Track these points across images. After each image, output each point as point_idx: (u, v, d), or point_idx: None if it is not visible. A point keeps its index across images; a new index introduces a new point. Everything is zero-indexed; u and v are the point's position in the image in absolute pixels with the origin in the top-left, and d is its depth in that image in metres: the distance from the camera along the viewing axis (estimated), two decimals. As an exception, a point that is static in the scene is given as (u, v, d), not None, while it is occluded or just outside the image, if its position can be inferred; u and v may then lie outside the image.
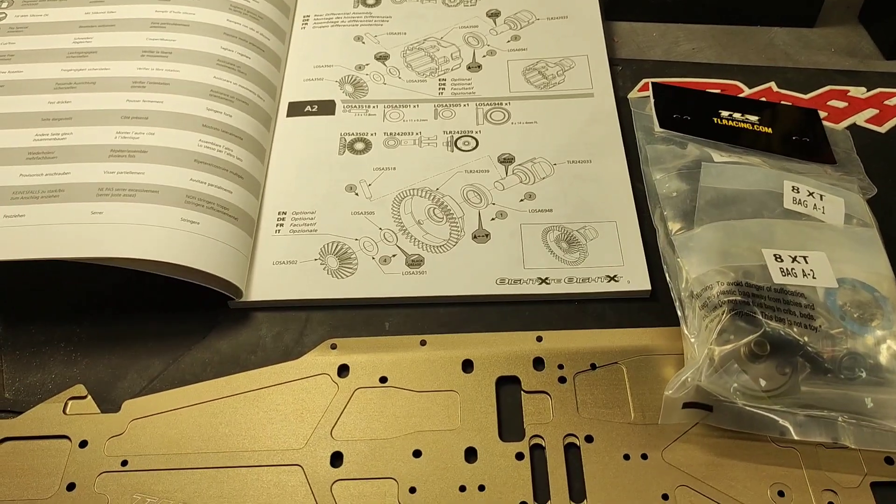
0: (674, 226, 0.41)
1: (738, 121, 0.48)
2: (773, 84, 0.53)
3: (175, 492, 0.36)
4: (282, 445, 0.38)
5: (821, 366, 0.35)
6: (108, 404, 0.40)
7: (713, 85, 0.53)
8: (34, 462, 0.37)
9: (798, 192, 0.42)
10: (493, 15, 0.58)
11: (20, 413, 0.39)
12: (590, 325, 0.42)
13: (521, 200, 0.47)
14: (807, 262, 0.38)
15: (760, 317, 0.36)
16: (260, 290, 0.43)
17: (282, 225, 0.46)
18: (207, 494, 0.36)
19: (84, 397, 0.40)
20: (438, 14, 0.58)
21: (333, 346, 0.41)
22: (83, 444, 0.38)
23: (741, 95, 0.52)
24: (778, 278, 0.37)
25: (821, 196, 0.41)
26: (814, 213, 0.41)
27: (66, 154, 0.44)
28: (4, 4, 0.53)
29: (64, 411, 0.39)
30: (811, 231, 0.40)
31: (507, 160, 0.49)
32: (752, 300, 0.36)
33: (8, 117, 0.46)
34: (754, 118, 0.48)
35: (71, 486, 0.37)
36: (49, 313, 0.43)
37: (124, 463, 0.37)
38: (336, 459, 0.37)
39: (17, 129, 0.45)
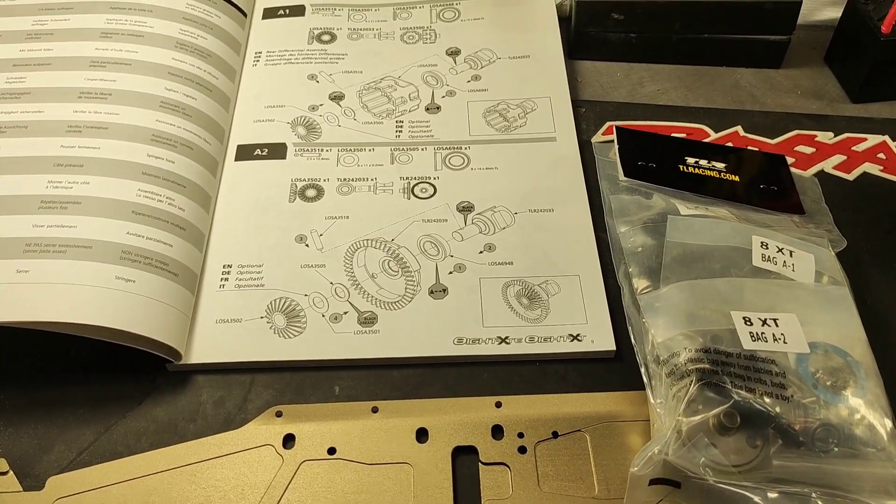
0: (639, 283, 0.40)
1: (704, 168, 0.47)
2: (739, 128, 0.51)
3: (102, 582, 0.33)
4: (221, 528, 0.35)
5: (793, 438, 0.34)
6: (32, 480, 0.37)
7: (679, 129, 0.51)
8: (-53, 549, 0.34)
9: (767, 248, 0.40)
10: (453, 53, 0.56)
11: (-66, 492, 0.36)
12: (552, 388, 0.40)
13: (481, 252, 0.44)
14: (777, 326, 0.36)
15: (730, 386, 0.34)
16: (201, 351, 0.40)
17: (226, 279, 0.43)
18: (137, 584, 0.33)
19: (6, 473, 0.37)
20: (396, 52, 0.56)
21: (279, 414, 0.38)
22: (2, 527, 0.35)
23: (707, 140, 0.50)
24: (748, 343, 0.35)
25: (790, 252, 0.40)
26: (783, 270, 0.39)
27: (-8, 206, 0.41)
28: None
29: (-17, 489, 0.36)
30: (781, 290, 0.38)
31: (466, 208, 0.47)
32: (722, 369, 0.34)
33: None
34: (721, 165, 0.47)
35: (-13, 576, 0.33)
36: (-30, 378, 0.40)
37: (47, 549, 0.34)
38: (279, 544, 0.34)
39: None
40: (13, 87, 0.47)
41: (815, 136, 0.51)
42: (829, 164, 0.49)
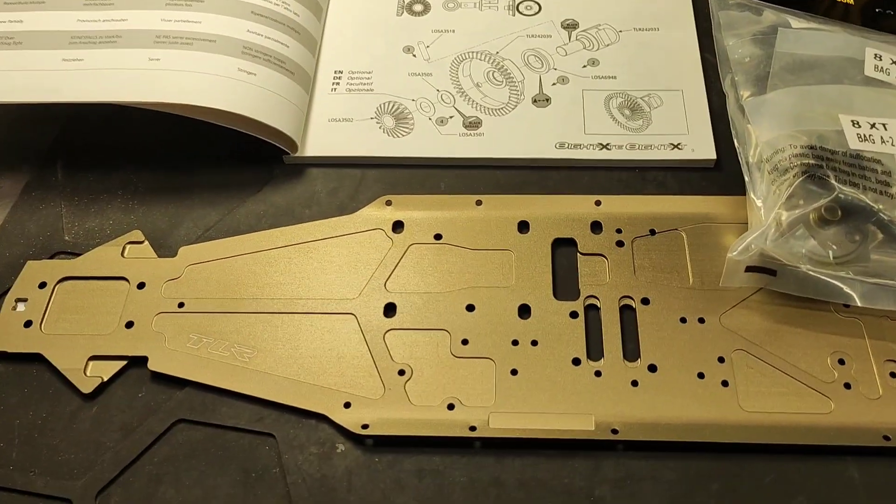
0: (745, 91, 0.40)
1: (819, -10, 0.45)
2: (857, -45, 0.49)
3: (230, 333, 0.37)
4: (336, 295, 0.38)
5: (893, 234, 0.34)
6: (165, 250, 0.40)
7: (794, -44, 0.50)
8: (94, 300, 0.38)
9: (881, 59, 0.39)
10: None
11: (79, 255, 0.40)
12: (650, 192, 0.41)
13: (584, 66, 0.45)
14: (886, 130, 0.36)
15: (833, 181, 0.34)
16: (315, 145, 0.43)
17: (338, 83, 0.45)
18: (262, 337, 0.37)
19: (141, 242, 0.40)
20: None
21: (388, 203, 0.41)
22: (141, 285, 0.38)
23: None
24: (854, 144, 0.36)
25: (905, 64, 0.39)
26: (896, 81, 0.39)
27: (123, 1, 0.43)
28: None
29: (122, 254, 0.40)
30: (893, 100, 0.38)
31: (570, 26, 0.47)
32: (826, 164, 0.35)
33: (65, -37, 0.45)
34: (836, -12, 0.46)
35: (129, 325, 0.37)
36: (107, 162, 0.44)
37: (181, 305, 0.38)
38: (389, 310, 0.37)
39: (73, -24, 0.44)
40: None
41: (940, -35, 0.49)
42: (950, -7, 0.47)
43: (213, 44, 0.42)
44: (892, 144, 0.36)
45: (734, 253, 0.34)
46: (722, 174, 0.41)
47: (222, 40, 0.42)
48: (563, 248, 0.39)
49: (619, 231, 0.39)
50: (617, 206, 0.40)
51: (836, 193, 0.34)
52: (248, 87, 0.41)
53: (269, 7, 0.44)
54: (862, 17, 0.44)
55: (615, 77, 0.44)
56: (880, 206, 0.34)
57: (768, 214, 0.35)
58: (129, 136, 0.45)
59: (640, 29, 0.46)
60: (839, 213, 0.34)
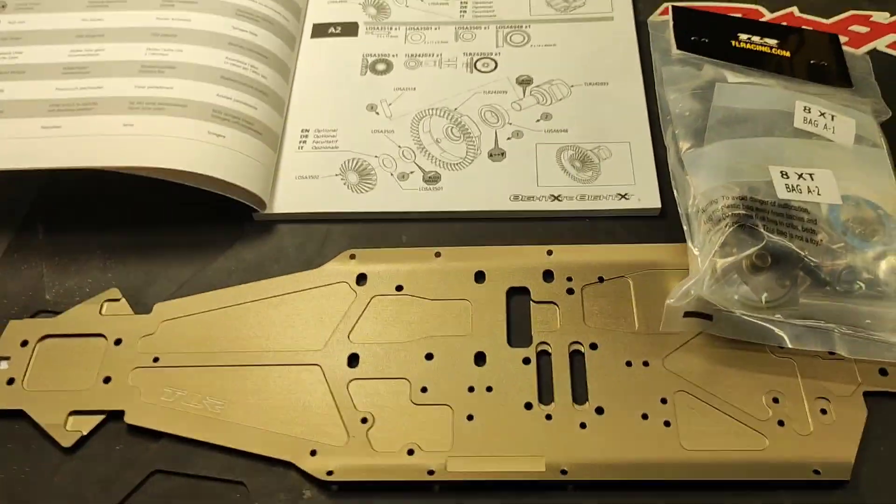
0: (684, 144, 0.42)
1: (756, 44, 0.48)
2: (795, 8, 0.52)
3: (202, 386, 0.39)
4: (302, 346, 0.40)
5: (820, 279, 0.36)
6: (141, 307, 0.42)
7: (735, 10, 0.53)
8: (74, 357, 0.40)
9: (809, 112, 0.42)
10: (517, -62, 0.58)
11: (59, 313, 0.42)
12: (600, 241, 0.43)
13: (538, 121, 0.48)
14: (812, 180, 0.39)
15: (763, 230, 0.37)
16: (284, 202, 0.45)
17: (305, 141, 0.47)
18: (232, 389, 0.39)
19: (118, 300, 0.42)
20: (462, -64, 0.58)
21: (352, 257, 0.43)
22: (118, 341, 0.40)
23: (762, 20, 0.52)
24: (783, 193, 0.38)
25: (832, 116, 0.42)
26: (824, 132, 0.41)
27: (98, 69, 0.46)
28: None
29: (100, 312, 0.42)
30: (820, 150, 0.41)
31: (525, 81, 0.50)
32: (756, 214, 0.37)
33: (45, 34, 0.47)
34: (773, 41, 0.49)
35: (107, 380, 0.39)
36: (86, 223, 0.46)
37: (156, 360, 0.40)
38: (353, 360, 0.39)
39: (53, 45, 0.47)
40: (111, -34, 0.51)
41: (871, 16, 0.52)
42: (882, 43, 0.50)
43: (184, 108, 0.44)
44: (818, 193, 0.38)
45: (672, 300, 0.37)
46: (666, 222, 0.43)
47: (193, 105, 0.44)
48: (518, 297, 0.41)
49: (569, 279, 0.41)
50: (568, 255, 0.42)
51: (765, 242, 0.37)
52: (218, 149, 0.43)
53: (238, 71, 0.47)
54: (799, 69, 0.47)
55: (567, 130, 0.47)
56: (806, 253, 0.37)
57: (704, 262, 0.37)
58: (106, 197, 0.47)
59: (590, 83, 0.49)
60: (769, 259, 0.36)
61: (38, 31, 0.48)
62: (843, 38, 0.50)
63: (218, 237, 0.45)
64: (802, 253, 0.37)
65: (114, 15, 0.48)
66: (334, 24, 0.53)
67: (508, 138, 0.47)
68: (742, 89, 0.44)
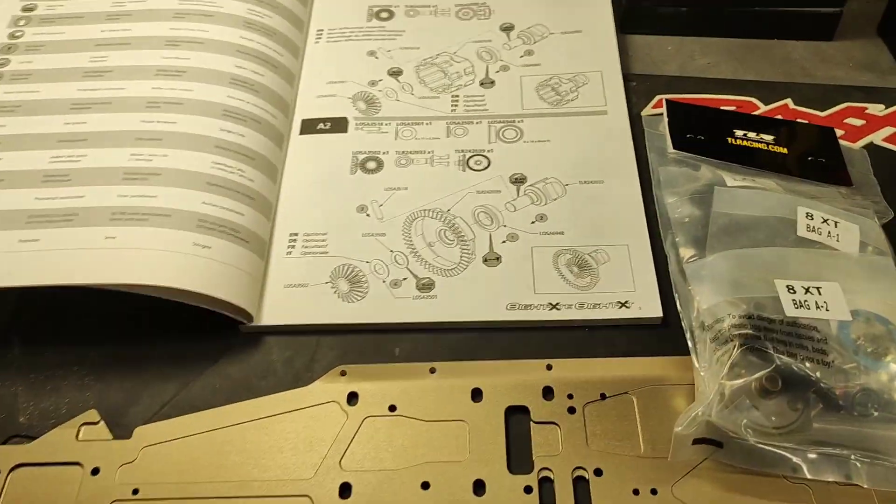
0: (685, 252, 0.41)
1: (752, 140, 0.48)
2: (789, 101, 0.52)
3: (186, 521, 0.37)
4: (291, 475, 0.38)
5: (833, 402, 0.35)
6: (120, 430, 0.40)
7: (728, 101, 0.52)
8: (47, 488, 0.38)
9: (812, 218, 0.41)
10: (507, 29, 0.57)
11: (34, 438, 0.40)
12: (600, 352, 0.42)
13: (533, 222, 0.46)
14: (820, 294, 0.38)
15: (772, 352, 0.36)
16: (271, 314, 0.43)
17: (293, 247, 0.46)
18: (218, 524, 0.36)
19: (97, 423, 0.40)
20: (452, 28, 0.58)
21: (343, 373, 0.41)
22: (95, 471, 0.38)
23: (756, 113, 0.51)
24: (790, 311, 0.37)
25: (835, 223, 0.41)
26: (828, 240, 0.40)
27: (80, 177, 0.44)
28: (22, 22, 0.53)
29: (77, 437, 0.40)
30: (825, 260, 0.39)
31: (518, 180, 0.48)
32: (764, 334, 0.36)
33: (25, 139, 0.46)
34: (769, 137, 0.48)
35: (84, 513, 0.37)
36: (62, 337, 0.44)
37: (135, 491, 0.38)
38: (345, 490, 0.37)
39: (33, 151, 0.45)
40: (97, 66, 0.50)
41: (866, 108, 0.51)
42: (878, 137, 0.50)
43: (169, 218, 0.43)
44: (826, 309, 0.37)
45: (680, 427, 0.35)
46: (669, 331, 0.42)
47: (177, 214, 0.43)
48: (517, 416, 0.39)
49: (570, 396, 0.39)
50: (568, 370, 0.40)
51: (775, 365, 0.35)
52: (204, 261, 0.42)
53: (224, 176, 0.45)
54: (797, 166, 0.46)
55: (563, 233, 0.46)
56: (818, 375, 0.35)
57: (712, 384, 0.36)
58: (85, 309, 0.45)
59: (585, 182, 0.48)
60: (780, 383, 0.35)
61: (18, 136, 0.46)
62: (839, 132, 0.49)
63: (202, 351, 0.43)
64: (814, 375, 0.35)
65: (98, 118, 0.47)
66: (323, 120, 0.52)
67: (503, 241, 0.46)
68: (741, 194, 0.43)
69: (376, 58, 0.56)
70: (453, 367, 0.41)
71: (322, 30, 0.58)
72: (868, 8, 0.57)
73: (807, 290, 0.38)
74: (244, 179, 0.46)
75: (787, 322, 0.37)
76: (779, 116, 0.51)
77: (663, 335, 0.42)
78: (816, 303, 0.37)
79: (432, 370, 0.41)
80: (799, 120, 0.51)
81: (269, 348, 0.43)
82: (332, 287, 0.44)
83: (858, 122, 0.50)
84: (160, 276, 0.41)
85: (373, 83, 0.54)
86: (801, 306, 0.37)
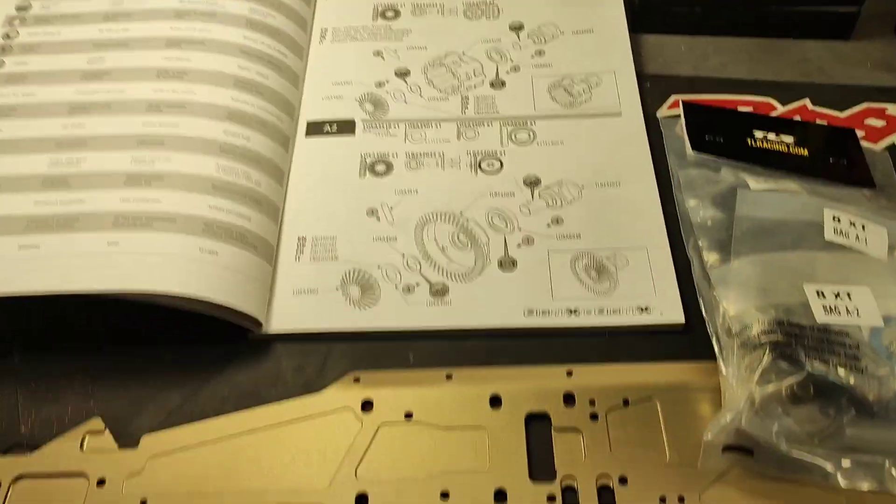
0: (710, 257, 0.40)
1: (772, 142, 0.47)
2: (807, 101, 0.51)
3: (195, 535, 0.35)
4: (305, 486, 0.36)
5: (867, 408, 0.34)
6: (126, 438, 0.39)
7: (745, 102, 0.51)
8: (51, 501, 0.36)
9: (839, 221, 0.40)
10: (517, 28, 0.56)
11: (36, 448, 0.38)
12: (621, 358, 0.40)
13: (549, 225, 0.45)
14: (850, 299, 0.36)
15: (803, 358, 0.34)
16: (280, 320, 0.42)
17: (302, 251, 0.45)
18: (229, 538, 0.35)
19: (101, 432, 0.39)
20: (460, 27, 0.57)
21: (356, 380, 0.40)
22: (101, 482, 0.37)
23: (774, 114, 0.50)
24: (821, 317, 0.36)
25: (863, 226, 0.40)
26: (856, 244, 0.39)
27: (81, 181, 0.43)
28: (17, 22, 0.52)
29: (81, 447, 0.38)
30: (854, 264, 0.38)
31: (532, 183, 0.47)
32: (795, 340, 0.35)
33: (23, 142, 0.45)
34: (789, 139, 0.47)
35: (89, 528, 0.36)
36: (64, 344, 0.42)
37: (143, 503, 0.36)
38: (361, 501, 0.36)
39: (32, 155, 0.44)
40: (95, 68, 0.49)
41: (886, 108, 0.50)
42: (899, 138, 0.49)
43: (174, 223, 0.41)
44: (858, 315, 0.36)
45: (710, 436, 0.34)
46: (692, 336, 0.41)
47: (182, 219, 0.42)
48: (537, 423, 0.38)
49: (592, 403, 0.38)
50: (589, 376, 0.39)
51: (806, 371, 0.34)
52: (211, 268, 0.40)
53: (230, 180, 0.44)
54: (819, 168, 0.45)
55: (579, 236, 0.45)
56: (851, 381, 0.34)
57: (741, 391, 0.35)
58: (88, 316, 0.43)
59: (601, 184, 0.47)
60: (812, 389, 0.34)
61: (14, 140, 0.45)
62: (859, 133, 0.48)
63: (210, 359, 0.41)
64: (847, 382, 0.34)
65: (97, 121, 0.46)
66: (330, 122, 0.51)
67: (519, 245, 0.44)
68: (766, 197, 0.42)
69: (383, 58, 0.55)
70: (471, 374, 0.40)
71: (326, 29, 0.57)
72: (886, 7, 0.56)
73: (836, 296, 0.37)
74: (250, 183, 0.45)
75: (818, 328, 0.36)
76: (797, 117, 0.50)
77: (686, 340, 0.41)
78: (847, 308, 0.36)
79: (449, 376, 0.40)
80: (818, 121, 0.49)
81: (279, 356, 0.42)
82: (343, 293, 0.43)
83: (879, 123, 0.49)
84: (165, 283, 0.39)
85: (380, 84, 0.53)
86: (832, 312, 0.36)
